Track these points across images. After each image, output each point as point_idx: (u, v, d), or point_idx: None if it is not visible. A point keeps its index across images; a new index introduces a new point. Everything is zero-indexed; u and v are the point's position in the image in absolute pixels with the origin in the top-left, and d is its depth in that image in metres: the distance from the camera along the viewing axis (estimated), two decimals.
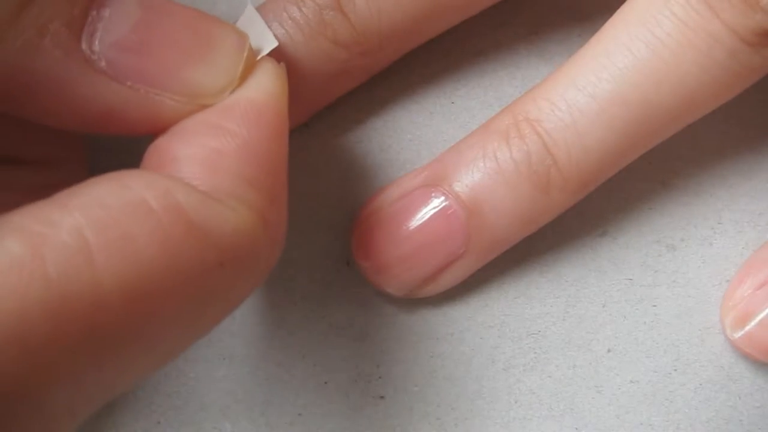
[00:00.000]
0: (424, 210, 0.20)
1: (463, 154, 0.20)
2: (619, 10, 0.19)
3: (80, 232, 0.13)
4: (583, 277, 0.21)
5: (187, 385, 0.21)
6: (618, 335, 0.21)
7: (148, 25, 0.16)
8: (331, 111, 0.22)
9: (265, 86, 0.17)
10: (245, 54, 0.17)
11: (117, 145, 0.21)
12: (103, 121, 0.16)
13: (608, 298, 0.21)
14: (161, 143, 0.16)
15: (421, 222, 0.20)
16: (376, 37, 0.19)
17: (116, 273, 0.13)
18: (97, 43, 0.16)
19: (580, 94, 0.19)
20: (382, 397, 0.21)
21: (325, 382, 0.21)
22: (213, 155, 0.15)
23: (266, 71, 0.17)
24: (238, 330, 0.21)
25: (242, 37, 0.17)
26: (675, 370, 0.21)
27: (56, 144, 0.19)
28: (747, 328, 0.20)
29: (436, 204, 0.20)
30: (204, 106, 0.17)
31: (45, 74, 0.15)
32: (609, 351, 0.21)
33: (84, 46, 0.15)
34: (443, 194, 0.20)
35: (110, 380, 0.14)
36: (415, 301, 0.21)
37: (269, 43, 0.18)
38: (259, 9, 0.19)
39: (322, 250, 0.22)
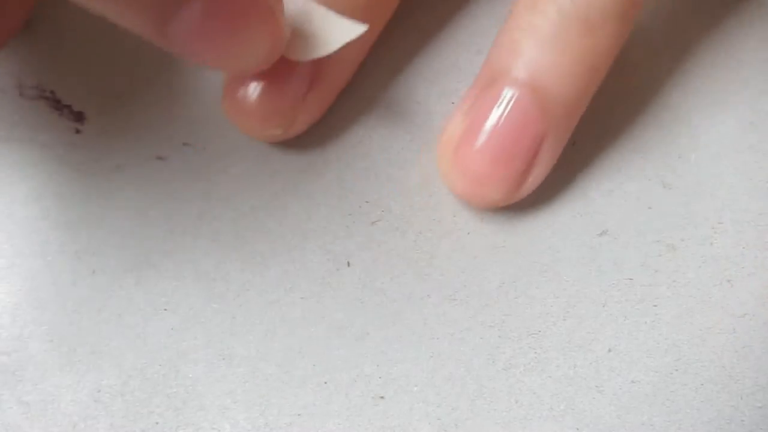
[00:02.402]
0: (496, 108, 0.20)
1: (503, 44, 0.20)
2: None
3: None
4: (583, 277, 0.21)
5: (186, 386, 0.21)
6: (618, 335, 0.21)
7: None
8: (331, 111, 0.22)
9: None
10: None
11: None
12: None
13: (608, 298, 0.21)
14: None
15: (497, 120, 0.20)
16: None
17: None
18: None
19: None
20: (382, 397, 0.21)
21: (325, 382, 0.21)
22: None
23: None
24: (238, 330, 0.21)
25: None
26: (676, 370, 0.21)
27: None
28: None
29: (503, 98, 0.20)
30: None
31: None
32: (610, 351, 0.21)
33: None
34: (505, 86, 0.20)
35: None
36: (415, 301, 0.21)
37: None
38: None
39: (322, 250, 0.22)
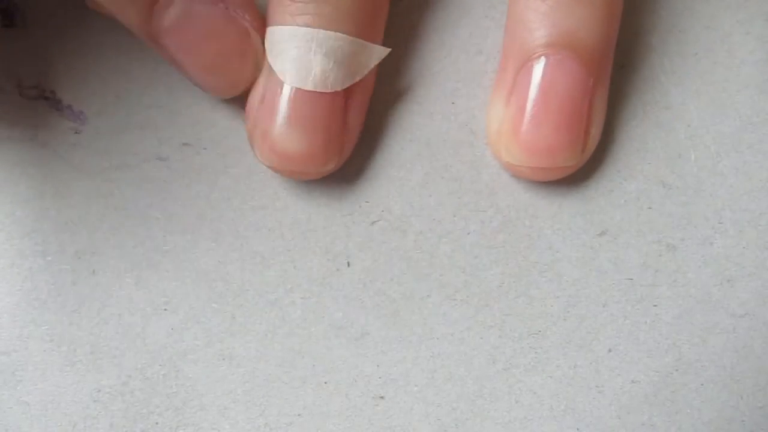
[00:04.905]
0: (542, 78, 0.20)
1: (520, 20, 0.20)
2: None
3: None
4: (583, 277, 0.21)
5: (186, 386, 0.21)
6: (619, 335, 0.21)
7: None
8: None
9: None
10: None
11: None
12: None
13: (609, 297, 0.21)
14: None
15: (547, 88, 0.20)
16: None
17: None
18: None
19: None
20: (382, 397, 0.21)
21: (325, 382, 0.21)
22: None
23: None
24: (238, 330, 0.21)
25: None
26: (676, 370, 0.21)
27: None
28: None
29: (545, 66, 0.20)
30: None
31: None
32: (610, 351, 0.21)
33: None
34: (541, 55, 0.20)
35: None
36: (415, 301, 0.21)
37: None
38: None
39: (322, 250, 0.22)
